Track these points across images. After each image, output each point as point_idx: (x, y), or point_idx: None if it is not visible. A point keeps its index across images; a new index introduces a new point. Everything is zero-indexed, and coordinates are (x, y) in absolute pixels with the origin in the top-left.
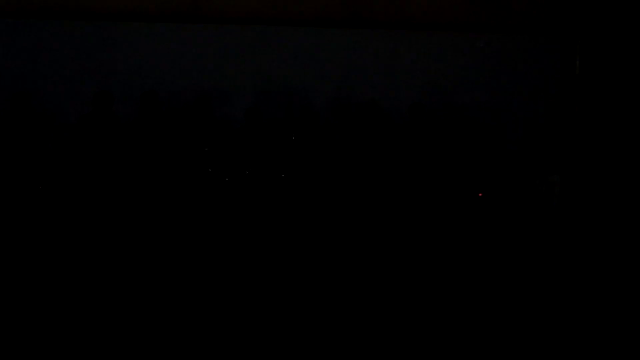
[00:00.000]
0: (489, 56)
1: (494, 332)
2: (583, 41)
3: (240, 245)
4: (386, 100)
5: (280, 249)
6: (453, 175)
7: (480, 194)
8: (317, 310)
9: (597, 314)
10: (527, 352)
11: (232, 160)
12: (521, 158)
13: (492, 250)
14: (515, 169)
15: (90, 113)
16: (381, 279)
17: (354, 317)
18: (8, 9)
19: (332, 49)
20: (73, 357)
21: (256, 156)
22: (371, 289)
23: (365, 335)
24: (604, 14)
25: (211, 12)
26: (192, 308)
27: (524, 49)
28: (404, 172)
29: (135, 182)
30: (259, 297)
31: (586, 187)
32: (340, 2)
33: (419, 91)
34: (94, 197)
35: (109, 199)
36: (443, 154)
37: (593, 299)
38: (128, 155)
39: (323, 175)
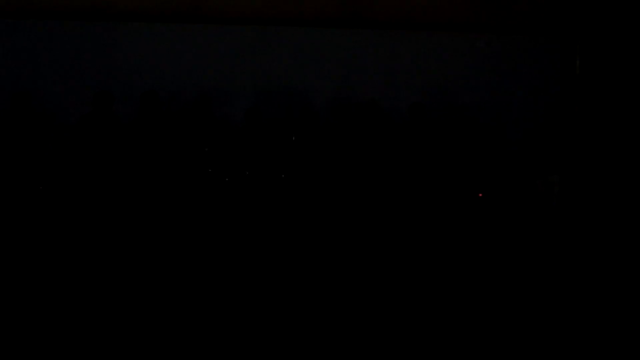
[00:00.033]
0: (489, 56)
1: (494, 331)
2: (583, 41)
3: (241, 246)
4: (386, 101)
5: (280, 249)
6: (453, 176)
7: (480, 194)
8: (318, 310)
9: (597, 313)
10: (527, 352)
11: (232, 160)
12: (521, 158)
13: (492, 250)
14: (515, 169)
15: (91, 113)
16: (381, 279)
17: (355, 317)
18: (8, 9)
19: (332, 49)
20: (73, 357)
21: (256, 156)
22: (371, 289)
23: (366, 335)
24: (603, 14)
25: (211, 12)
26: (193, 308)
27: (524, 49)
28: (404, 172)
29: (136, 182)
30: (259, 297)
31: (586, 187)
32: (340, 2)
33: (419, 91)
34: (94, 197)
35: (109, 199)
36: (443, 154)
37: (593, 298)
38: (128, 155)
39: (323, 175)
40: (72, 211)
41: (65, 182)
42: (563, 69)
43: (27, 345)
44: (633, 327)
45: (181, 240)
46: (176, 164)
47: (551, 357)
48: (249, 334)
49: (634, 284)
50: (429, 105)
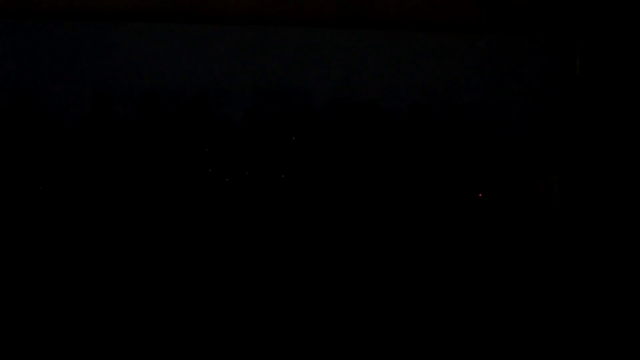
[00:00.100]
0: (489, 56)
1: (494, 331)
2: (583, 41)
3: (241, 246)
4: (386, 101)
5: (280, 250)
6: (453, 176)
7: (480, 194)
8: (318, 310)
9: (597, 313)
10: (527, 352)
11: (232, 160)
12: (521, 158)
13: (492, 250)
14: (515, 169)
15: (90, 113)
16: (381, 279)
17: (355, 317)
18: (8, 9)
19: (332, 49)
20: (73, 357)
21: (256, 156)
22: (371, 289)
23: (366, 335)
24: (603, 14)
25: (211, 12)
26: (193, 308)
27: (524, 49)
28: (404, 172)
29: (136, 182)
30: (259, 297)
31: (586, 187)
32: (340, 2)
33: (419, 91)
34: (94, 197)
35: (109, 199)
36: (443, 154)
37: (592, 298)
38: (128, 155)
39: (323, 175)
40: (72, 211)
41: (65, 182)
42: (563, 69)
43: (27, 345)
44: (633, 326)
45: (181, 240)
46: (176, 164)
47: (551, 357)
48: (249, 334)
49: (633, 284)
50: (429, 105)
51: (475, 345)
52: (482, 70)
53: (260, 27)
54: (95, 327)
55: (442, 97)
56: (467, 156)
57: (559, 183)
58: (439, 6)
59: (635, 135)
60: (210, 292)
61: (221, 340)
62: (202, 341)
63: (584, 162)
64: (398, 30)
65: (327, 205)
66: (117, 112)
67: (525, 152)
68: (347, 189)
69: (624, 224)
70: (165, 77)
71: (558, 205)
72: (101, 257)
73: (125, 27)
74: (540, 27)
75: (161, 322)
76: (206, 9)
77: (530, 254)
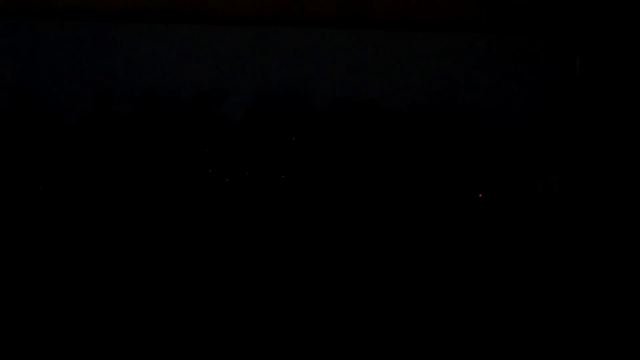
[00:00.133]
0: (489, 56)
1: (494, 331)
2: (583, 41)
3: (241, 246)
4: (386, 101)
5: (280, 250)
6: (453, 176)
7: (480, 195)
8: (318, 310)
9: (597, 313)
10: (527, 351)
11: (232, 160)
12: (521, 158)
13: (492, 250)
14: (515, 169)
15: (91, 113)
16: (381, 280)
17: (354, 317)
18: (8, 9)
19: (332, 49)
20: (73, 357)
21: (256, 157)
22: (371, 289)
23: (365, 335)
24: (603, 14)
25: (211, 12)
26: (193, 308)
27: (524, 49)
28: (404, 172)
29: (136, 182)
30: (259, 297)
31: (586, 187)
32: (340, 2)
33: (419, 91)
34: (94, 197)
35: (109, 199)
36: (443, 154)
37: (592, 298)
38: (128, 155)
39: (323, 175)
40: (72, 211)
41: (65, 182)
42: (563, 69)
43: (27, 345)
44: (633, 326)
45: (181, 240)
46: (176, 164)
47: (551, 357)
48: (249, 334)
49: (633, 284)
50: (429, 105)
51: (475, 345)
52: (482, 70)
53: (260, 27)
54: (95, 327)
55: (442, 97)
56: (467, 156)
57: (558, 183)
58: (438, 6)
59: (635, 136)
60: (211, 292)
61: (221, 341)
62: (202, 341)
63: (584, 162)
64: (398, 30)
65: (327, 205)
66: (117, 112)
67: (525, 152)
68: (347, 189)
69: (624, 224)
70: (165, 77)
71: (558, 205)
72: (101, 257)
73: (125, 27)
74: (540, 27)
75: (161, 322)
76: (206, 9)
77: (530, 254)
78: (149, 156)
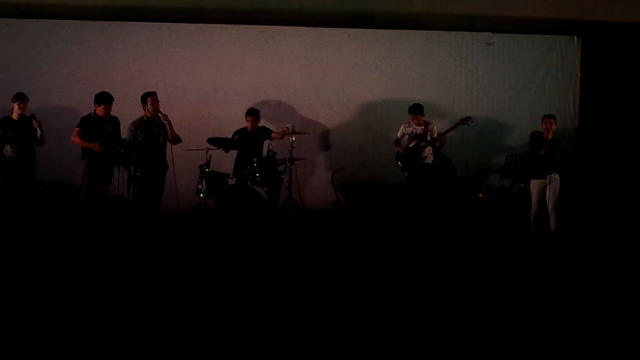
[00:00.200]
0: (490, 56)
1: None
2: (583, 41)
3: (241, 246)
4: (386, 100)
5: (280, 250)
6: (453, 176)
7: (480, 195)
8: (317, 311)
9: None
10: (527, 351)
11: (232, 160)
12: (521, 158)
13: (492, 250)
14: (516, 169)
15: (91, 113)
16: (382, 280)
17: (354, 317)
18: (8, 9)
19: (332, 49)
20: (73, 357)
21: (256, 156)
22: (372, 290)
23: (365, 336)
24: (603, 14)
25: (211, 12)
26: (192, 309)
27: (524, 49)
28: (404, 172)
29: (136, 182)
30: (259, 297)
31: (585, 188)
32: (340, 3)
33: (420, 91)
34: (94, 197)
35: (109, 199)
36: (443, 154)
37: (592, 298)
38: (128, 155)
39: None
40: (72, 211)
41: (65, 182)
42: (564, 69)
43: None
44: (633, 326)
45: (181, 241)
46: (176, 164)
47: (551, 356)
48: (249, 334)
49: (633, 284)
50: (430, 104)
51: (475, 345)
52: (483, 70)
53: (261, 27)
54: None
55: (441, 96)
56: (466, 156)
57: (558, 183)
58: (439, 6)
59: (635, 136)
60: (211, 292)
61: (221, 340)
62: (202, 341)
63: (584, 163)
64: (398, 30)
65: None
66: (116, 112)
67: (525, 153)
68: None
69: (624, 224)
70: (165, 77)
71: (557, 205)
72: (101, 257)
73: (125, 27)
74: (541, 27)
75: (161, 322)
76: (206, 8)
77: (529, 253)
78: (149, 156)
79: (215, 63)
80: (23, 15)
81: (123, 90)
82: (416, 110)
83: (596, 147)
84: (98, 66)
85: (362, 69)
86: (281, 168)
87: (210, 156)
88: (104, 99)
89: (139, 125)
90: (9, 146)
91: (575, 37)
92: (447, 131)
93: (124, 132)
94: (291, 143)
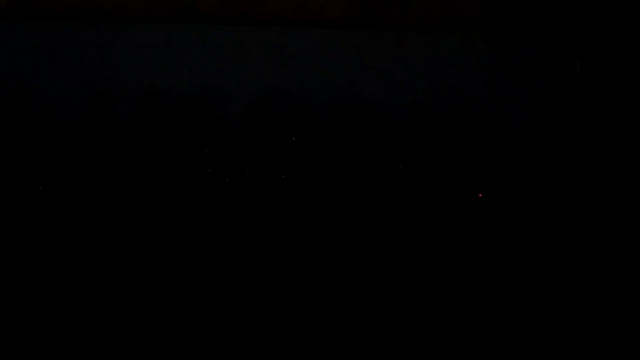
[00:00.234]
0: (490, 56)
1: (493, 332)
2: (583, 41)
3: (241, 246)
4: (386, 101)
5: (280, 250)
6: (453, 176)
7: (480, 195)
8: (317, 311)
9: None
10: (527, 351)
11: (232, 161)
12: (521, 158)
13: (493, 250)
14: (515, 169)
15: (91, 114)
16: (382, 280)
17: (354, 318)
18: (8, 9)
19: (332, 49)
20: (73, 357)
21: (256, 157)
22: (372, 290)
23: (365, 336)
24: (603, 14)
25: (211, 13)
26: (193, 309)
27: (524, 49)
28: (404, 172)
29: (136, 183)
30: (259, 297)
31: (585, 188)
32: (340, 3)
33: (420, 92)
34: (94, 198)
35: (109, 200)
36: (443, 155)
37: (592, 298)
38: (128, 156)
39: (323, 176)
40: (72, 212)
41: (65, 182)
42: (563, 69)
43: (27, 345)
44: (632, 326)
45: (181, 241)
46: (176, 164)
47: (551, 356)
48: (249, 334)
49: (633, 284)
50: (429, 105)
51: (475, 345)
52: (483, 71)
53: (261, 27)
54: (95, 327)
55: (442, 97)
56: (467, 156)
57: (558, 183)
58: (440, 6)
59: (636, 136)
60: (211, 292)
61: (221, 341)
62: (202, 341)
63: (584, 163)
64: (399, 30)
65: (327, 205)
66: (117, 113)
67: (525, 153)
68: (348, 190)
69: (623, 224)
70: (165, 78)
71: (557, 205)
72: (102, 258)
73: (125, 27)
74: (541, 27)
75: (162, 322)
76: (207, 9)
77: (529, 253)
78: (149, 156)
79: (216, 63)
80: (23, 15)
81: (123, 91)
82: (417, 111)
83: (595, 147)
84: (98, 66)
85: (363, 70)
86: None
87: None
88: (104, 99)
89: None
90: None
91: (575, 38)
92: None
93: None
94: None
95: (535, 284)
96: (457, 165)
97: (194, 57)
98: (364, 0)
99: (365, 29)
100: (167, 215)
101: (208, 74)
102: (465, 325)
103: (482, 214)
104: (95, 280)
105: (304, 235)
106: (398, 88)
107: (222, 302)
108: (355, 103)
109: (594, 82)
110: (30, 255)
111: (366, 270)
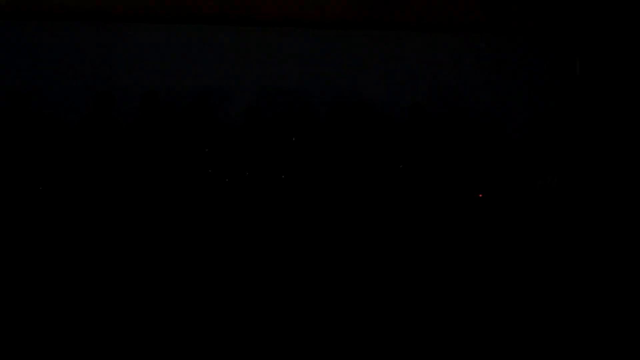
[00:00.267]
0: (489, 56)
1: (493, 332)
2: (583, 42)
3: (241, 246)
4: (386, 101)
5: (280, 250)
6: (453, 176)
7: (481, 195)
8: (317, 311)
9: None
10: (527, 351)
11: (232, 161)
12: (521, 159)
13: (493, 250)
14: (515, 169)
15: (91, 114)
16: (382, 280)
17: (354, 318)
18: (8, 9)
19: (332, 50)
20: (73, 357)
21: (256, 157)
22: (372, 290)
23: (365, 336)
24: (603, 14)
25: (211, 13)
26: (193, 309)
27: (524, 50)
28: (404, 172)
29: (136, 183)
30: (259, 297)
31: (586, 188)
32: (340, 3)
33: (420, 92)
34: (94, 198)
35: (109, 200)
36: (443, 155)
37: (592, 298)
38: (128, 156)
39: (323, 176)
40: (72, 212)
41: (65, 183)
42: (563, 70)
43: (27, 346)
44: (632, 326)
45: (182, 241)
46: (176, 164)
47: (551, 356)
48: (249, 334)
49: (632, 284)
50: (430, 105)
51: (475, 345)
52: (482, 71)
53: (261, 27)
54: (95, 327)
55: (442, 97)
56: (467, 157)
57: (558, 183)
58: (440, 7)
59: (635, 136)
60: (211, 292)
61: (221, 341)
62: (202, 341)
63: (584, 163)
64: (399, 31)
65: (327, 205)
66: (117, 113)
67: (525, 153)
68: (348, 190)
69: (623, 224)
70: (165, 78)
71: (557, 205)
72: (102, 258)
73: (125, 27)
74: (541, 28)
75: (162, 322)
76: (207, 9)
77: (529, 253)
78: (149, 157)
79: (216, 63)
80: (23, 15)
81: (123, 91)
82: (417, 110)
83: (595, 148)
84: (98, 66)
85: (363, 70)
86: None
87: None
88: (104, 99)
89: None
90: None
91: (574, 38)
92: None
93: None
94: None
95: (535, 284)
96: (457, 165)
97: (194, 57)
98: (364, 0)
99: (365, 29)
100: (167, 215)
101: (208, 74)
102: (466, 325)
103: (482, 214)
104: (96, 280)
105: (304, 235)
106: (398, 88)
107: (222, 302)
108: (355, 103)
109: (594, 82)
110: (30, 255)
111: (366, 270)
